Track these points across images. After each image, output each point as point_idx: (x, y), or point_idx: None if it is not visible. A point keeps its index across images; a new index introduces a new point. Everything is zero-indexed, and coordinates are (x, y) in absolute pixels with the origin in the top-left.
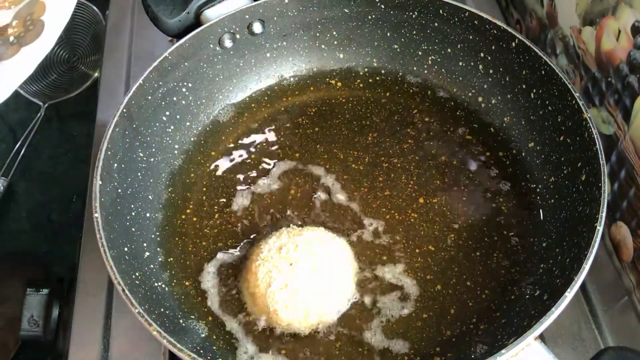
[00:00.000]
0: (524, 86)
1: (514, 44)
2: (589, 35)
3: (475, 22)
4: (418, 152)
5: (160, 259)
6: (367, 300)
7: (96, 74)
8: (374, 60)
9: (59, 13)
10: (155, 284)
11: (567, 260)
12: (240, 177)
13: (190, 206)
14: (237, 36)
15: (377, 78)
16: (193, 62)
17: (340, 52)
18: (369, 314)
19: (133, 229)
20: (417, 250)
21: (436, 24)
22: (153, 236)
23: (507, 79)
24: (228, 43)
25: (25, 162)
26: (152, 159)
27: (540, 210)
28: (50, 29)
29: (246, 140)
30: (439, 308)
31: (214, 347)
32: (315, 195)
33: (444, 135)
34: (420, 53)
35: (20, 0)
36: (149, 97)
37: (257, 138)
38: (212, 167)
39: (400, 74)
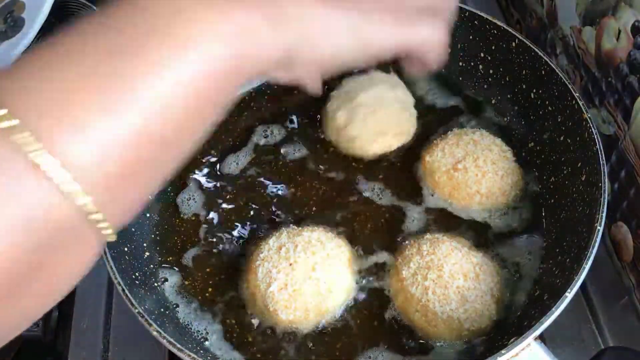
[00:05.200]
0: (524, 86)
1: (514, 44)
2: (589, 35)
3: (475, 22)
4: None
5: (159, 259)
6: (367, 299)
7: None
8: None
9: (38, 9)
10: (155, 284)
11: (567, 260)
12: (240, 176)
13: (190, 206)
14: None
15: None
16: None
17: None
18: (369, 313)
19: (133, 229)
20: None
21: None
22: (153, 236)
23: (507, 79)
24: None
25: None
26: None
27: (541, 210)
28: (30, 24)
29: (246, 140)
30: None
31: (214, 347)
32: (315, 195)
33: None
34: None
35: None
36: None
37: (257, 138)
38: (212, 166)
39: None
